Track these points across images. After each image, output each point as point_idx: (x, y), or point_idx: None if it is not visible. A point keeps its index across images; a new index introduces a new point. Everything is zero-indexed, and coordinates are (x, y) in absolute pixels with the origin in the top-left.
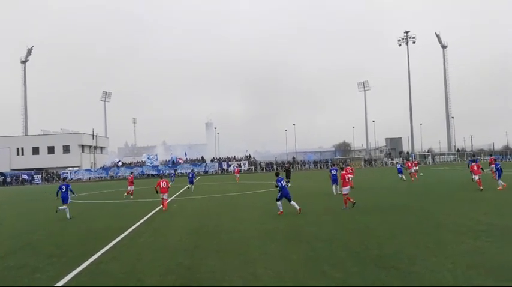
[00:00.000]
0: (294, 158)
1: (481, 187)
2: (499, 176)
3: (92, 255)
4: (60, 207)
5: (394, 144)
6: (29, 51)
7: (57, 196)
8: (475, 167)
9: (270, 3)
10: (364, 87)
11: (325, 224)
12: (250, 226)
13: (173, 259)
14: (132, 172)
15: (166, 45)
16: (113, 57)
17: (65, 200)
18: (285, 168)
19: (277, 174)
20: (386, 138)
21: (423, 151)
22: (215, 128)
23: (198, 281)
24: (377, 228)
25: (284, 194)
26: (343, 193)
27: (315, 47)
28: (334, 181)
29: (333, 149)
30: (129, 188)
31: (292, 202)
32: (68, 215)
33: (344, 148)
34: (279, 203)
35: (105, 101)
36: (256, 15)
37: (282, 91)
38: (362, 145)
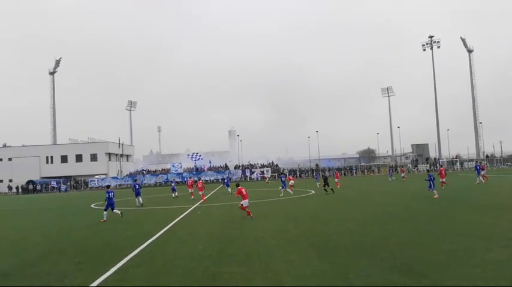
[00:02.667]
0: (317, 165)
1: (443, 187)
2: (433, 186)
3: (118, 262)
4: (137, 199)
5: (420, 150)
6: (57, 63)
7: (133, 191)
8: (443, 172)
9: (291, 9)
10: (388, 92)
11: (349, 231)
12: (273, 233)
13: (198, 265)
14: (190, 177)
15: (189, 54)
16: (138, 67)
17: (138, 194)
18: (323, 175)
19: (108, 187)
20: (412, 145)
21: (451, 157)
22: (238, 135)
23: None
24: (402, 235)
25: (109, 204)
26: (243, 205)
27: (338, 52)
28: None
29: (357, 155)
30: (190, 190)
31: (115, 210)
32: (141, 202)
33: (368, 155)
34: (105, 212)
35: (130, 110)
36: (278, 20)
37: (305, 97)
38: (387, 151)
